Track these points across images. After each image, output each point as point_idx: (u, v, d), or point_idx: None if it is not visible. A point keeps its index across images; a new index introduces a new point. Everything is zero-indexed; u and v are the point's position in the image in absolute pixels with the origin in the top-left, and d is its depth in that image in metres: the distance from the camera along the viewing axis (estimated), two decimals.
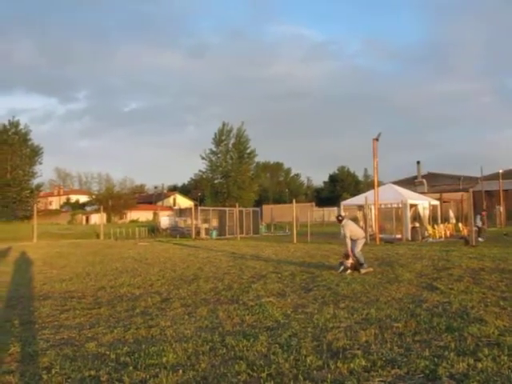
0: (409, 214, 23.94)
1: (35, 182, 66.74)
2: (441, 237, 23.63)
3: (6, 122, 63.74)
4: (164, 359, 4.21)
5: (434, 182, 52.66)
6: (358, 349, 4.36)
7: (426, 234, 23.46)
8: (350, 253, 10.10)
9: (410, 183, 46.68)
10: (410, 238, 22.18)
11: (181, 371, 3.88)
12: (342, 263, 10.26)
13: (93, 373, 3.91)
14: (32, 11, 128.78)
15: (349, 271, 9.91)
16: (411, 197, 25.94)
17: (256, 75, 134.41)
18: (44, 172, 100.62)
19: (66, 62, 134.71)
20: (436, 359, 4.00)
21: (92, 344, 4.82)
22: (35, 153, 65.90)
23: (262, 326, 5.42)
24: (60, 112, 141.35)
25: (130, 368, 3.99)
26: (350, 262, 10.07)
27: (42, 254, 17.44)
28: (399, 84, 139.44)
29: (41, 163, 66.57)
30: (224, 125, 68.86)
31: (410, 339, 4.66)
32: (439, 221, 26.50)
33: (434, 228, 24.37)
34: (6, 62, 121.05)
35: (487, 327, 5.00)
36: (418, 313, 5.86)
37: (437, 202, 27.69)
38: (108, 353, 4.47)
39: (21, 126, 64.69)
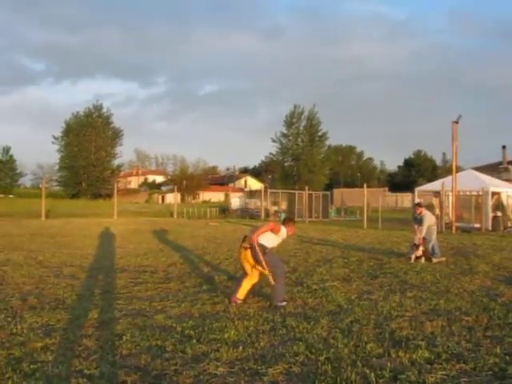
0: (490, 202, 22.38)
1: (116, 162, 71.04)
2: None
3: (91, 106, 68.16)
4: (226, 335, 4.36)
5: None
6: (422, 340, 4.21)
7: (509, 224, 21.87)
8: (421, 241, 9.72)
9: (493, 169, 43.51)
10: (490, 228, 20.81)
11: (241, 348, 4.00)
12: (411, 251, 9.90)
13: (159, 343, 4.15)
14: (115, 3, 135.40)
15: (423, 260, 9.56)
16: (494, 184, 24.18)
17: (331, 56, 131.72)
18: (124, 153, 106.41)
19: (146, 48, 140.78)
20: (507, 357, 3.77)
21: (160, 316, 5.11)
22: (116, 135, 69.97)
23: (324, 310, 5.42)
24: (140, 96, 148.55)
25: (194, 341, 4.19)
26: (420, 250, 9.69)
27: (121, 230, 18.61)
28: (485, 62, 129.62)
29: (121, 145, 70.70)
30: (295, 107, 68.34)
31: (480, 334, 4.42)
32: None
33: None
34: (90, 49, 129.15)
35: None
36: (491, 307, 5.53)
37: None
38: (174, 325, 4.71)
39: (104, 110, 68.88)
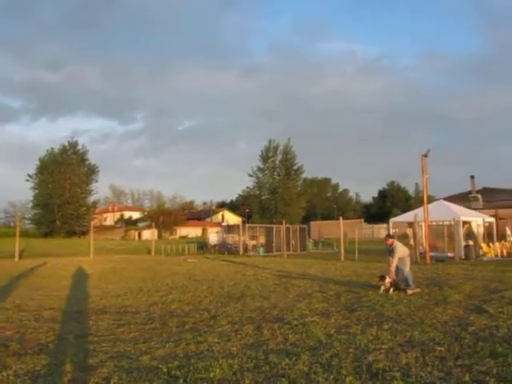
0: (461, 231, 23.15)
1: (91, 199, 70.21)
2: (496, 256, 22.67)
3: (66, 143, 67.86)
4: (211, 374, 4.50)
5: (490, 198, 50.29)
6: (398, 371, 4.45)
7: (481, 252, 22.60)
8: (391, 273, 10.08)
9: (464, 199, 44.92)
10: (463, 257, 21.46)
11: None
12: (381, 284, 10.23)
13: None
14: (96, 41, 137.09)
15: (391, 291, 9.88)
16: (464, 213, 25.07)
17: (307, 92, 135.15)
18: (100, 189, 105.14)
19: (126, 86, 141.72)
20: None
21: (146, 357, 5.20)
22: (92, 171, 69.51)
23: (305, 345, 5.60)
24: (118, 132, 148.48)
25: (181, 381, 4.31)
26: (387, 281, 10.05)
27: (98, 269, 18.41)
28: (453, 97, 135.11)
29: (97, 181, 70.14)
30: (270, 142, 69.63)
31: (451, 363, 4.69)
32: (495, 239, 25.42)
33: (488, 246, 23.41)
34: (69, 86, 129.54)
35: None
36: (462, 336, 5.83)
37: (492, 219, 26.59)
38: (160, 366, 4.82)
39: (79, 147, 68.63)
